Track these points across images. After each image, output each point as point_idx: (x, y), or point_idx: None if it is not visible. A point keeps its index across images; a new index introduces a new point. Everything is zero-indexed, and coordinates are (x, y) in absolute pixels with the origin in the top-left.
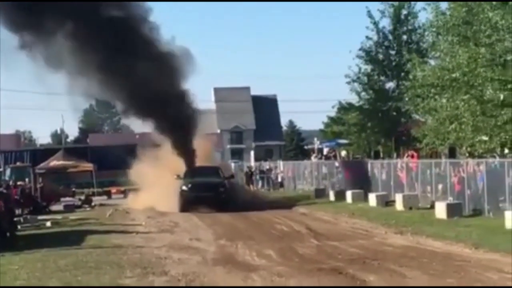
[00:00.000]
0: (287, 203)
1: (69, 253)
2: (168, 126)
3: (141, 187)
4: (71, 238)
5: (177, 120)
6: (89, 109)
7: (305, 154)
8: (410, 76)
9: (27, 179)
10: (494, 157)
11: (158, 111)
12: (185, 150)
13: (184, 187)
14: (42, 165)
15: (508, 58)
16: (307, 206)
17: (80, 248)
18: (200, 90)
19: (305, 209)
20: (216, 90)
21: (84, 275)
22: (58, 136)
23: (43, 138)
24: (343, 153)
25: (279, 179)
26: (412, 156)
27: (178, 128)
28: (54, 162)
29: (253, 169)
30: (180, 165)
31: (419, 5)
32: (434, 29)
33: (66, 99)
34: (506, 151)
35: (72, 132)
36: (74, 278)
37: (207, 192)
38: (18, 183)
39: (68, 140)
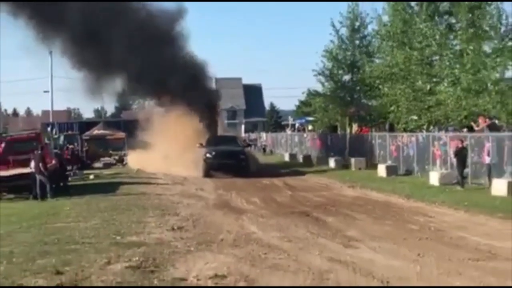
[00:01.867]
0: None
1: (107, 199)
2: (194, 98)
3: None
4: (108, 188)
5: (203, 92)
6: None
7: (282, 128)
8: (361, 71)
9: (75, 144)
10: (422, 131)
11: (185, 86)
12: (210, 120)
13: (208, 155)
14: (87, 133)
15: (434, 58)
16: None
17: (115, 195)
18: None
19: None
20: (217, 80)
21: (118, 215)
22: (99, 112)
23: (88, 113)
24: (310, 127)
25: (262, 146)
26: (361, 130)
27: (204, 100)
28: (96, 131)
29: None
30: (190, 134)
31: (368, 18)
32: (379, 37)
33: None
34: (431, 127)
35: (110, 109)
36: (111, 217)
37: (230, 160)
38: (69, 146)
39: (107, 115)
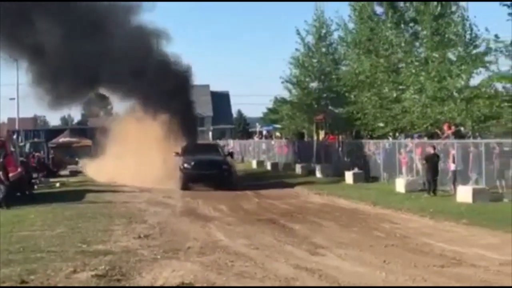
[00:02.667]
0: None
1: (73, 207)
2: (170, 101)
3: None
4: (74, 196)
5: (180, 95)
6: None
7: (249, 135)
8: (328, 78)
9: (42, 151)
10: (388, 139)
11: (157, 86)
12: (188, 125)
13: (186, 165)
14: (53, 141)
15: (400, 66)
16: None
17: (81, 203)
18: None
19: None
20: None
21: (84, 223)
22: (65, 120)
23: (54, 121)
24: (277, 134)
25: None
26: (329, 138)
27: (182, 104)
28: (62, 138)
29: None
30: (164, 142)
31: (334, 26)
32: (345, 44)
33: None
34: (397, 135)
35: (77, 116)
36: (77, 225)
37: (211, 170)
38: (36, 154)
39: (74, 122)
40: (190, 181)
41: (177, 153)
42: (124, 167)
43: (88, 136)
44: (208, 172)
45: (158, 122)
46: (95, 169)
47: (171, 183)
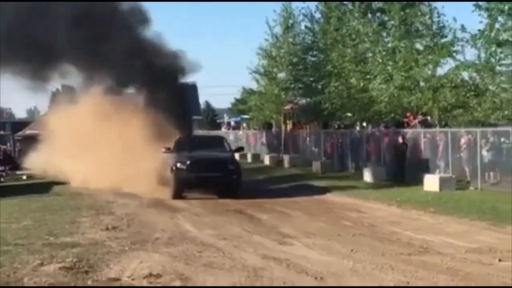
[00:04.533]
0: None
1: (40, 199)
2: (159, 85)
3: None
4: (41, 188)
5: (169, 76)
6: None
7: (217, 126)
8: (296, 68)
9: (8, 144)
10: (356, 128)
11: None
12: (181, 114)
13: (180, 165)
14: (19, 133)
15: (368, 56)
16: None
17: (48, 195)
18: None
19: None
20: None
21: (51, 215)
22: (32, 112)
23: (20, 113)
24: (245, 125)
25: None
26: (296, 128)
27: (173, 88)
28: (29, 131)
29: None
30: (151, 134)
31: (301, 16)
32: (312, 34)
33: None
34: (365, 124)
35: (43, 108)
36: (43, 217)
37: (213, 172)
38: (2, 146)
39: (40, 114)
40: (185, 186)
41: (167, 149)
42: (99, 165)
43: None
44: (210, 175)
45: (140, 106)
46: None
47: (159, 189)
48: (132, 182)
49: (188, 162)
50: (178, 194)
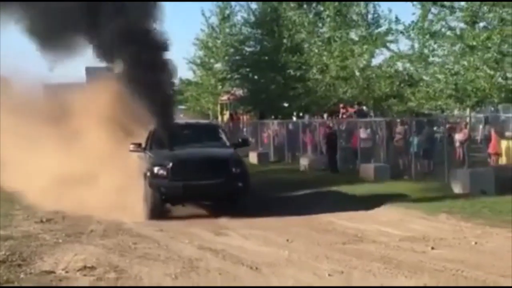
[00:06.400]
0: None
1: None
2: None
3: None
4: None
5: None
6: None
7: None
8: (232, 59)
9: None
10: (293, 119)
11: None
12: (158, 93)
13: (158, 168)
14: None
15: (304, 46)
16: None
17: None
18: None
19: None
20: (87, 68)
21: None
22: None
23: None
24: (181, 115)
25: None
26: (233, 118)
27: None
28: None
29: None
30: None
31: (238, 7)
32: (248, 25)
33: None
34: (301, 114)
35: None
36: None
37: (210, 178)
38: None
39: None
40: (167, 201)
41: (137, 145)
42: (37, 168)
43: None
44: (204, 183)
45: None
46: None
47: (126, 207)
48: (86, 195)
49: (170, 165)
50: (155, 213)
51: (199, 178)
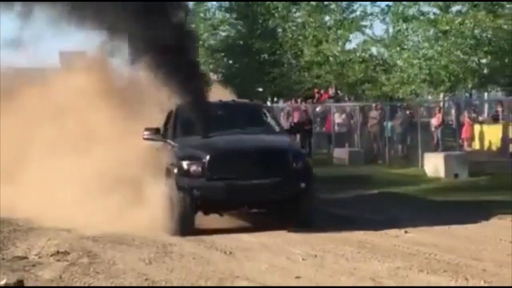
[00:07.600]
0: None
1: None
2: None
3: None
4: None
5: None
6: None
7: None
8: (205, 44)
9: None
10: (267, 104)
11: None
12: (181, 65)
13: (187, 164)
14: None
15: (279, 30)
16: None
17: None
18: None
19: None
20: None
21: None
22: None
23: None
24: None
25: None
26: None
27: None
28: None
29: None
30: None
31: None
32: (222, 9)
33: None
34: (276, 99)
35: None
36: None
37: (262, 176)
38: None
39: None
40: (202, 207)
41: (153, 132)
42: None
43: None
44: (255, 182)
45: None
46: None
47: (145, 217)
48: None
49: (207, 158)
50: (185, 225)
51: (248, 177)
